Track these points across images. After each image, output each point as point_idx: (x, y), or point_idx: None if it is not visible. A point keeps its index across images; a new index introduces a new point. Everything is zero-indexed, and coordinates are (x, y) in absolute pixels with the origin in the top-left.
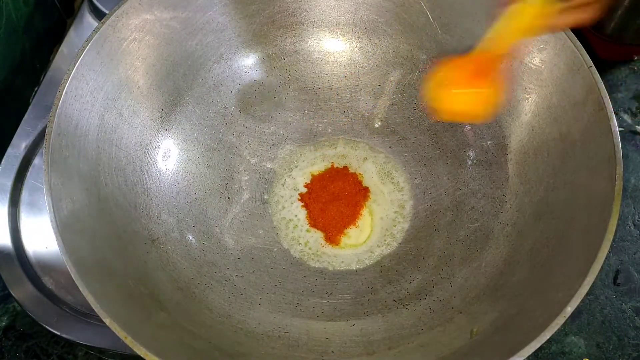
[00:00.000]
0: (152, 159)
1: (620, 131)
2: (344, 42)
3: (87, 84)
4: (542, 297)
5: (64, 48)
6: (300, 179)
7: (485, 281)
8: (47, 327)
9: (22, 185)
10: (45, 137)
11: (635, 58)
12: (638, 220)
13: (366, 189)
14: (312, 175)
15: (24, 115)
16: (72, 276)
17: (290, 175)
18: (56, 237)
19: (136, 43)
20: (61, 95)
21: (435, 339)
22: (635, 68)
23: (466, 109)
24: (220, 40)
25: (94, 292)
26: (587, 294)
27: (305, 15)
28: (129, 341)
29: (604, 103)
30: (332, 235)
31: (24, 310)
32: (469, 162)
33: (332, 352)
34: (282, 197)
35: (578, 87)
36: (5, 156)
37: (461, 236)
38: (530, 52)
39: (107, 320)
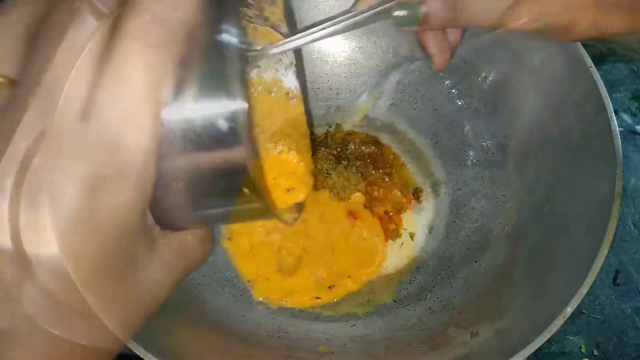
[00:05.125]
0: None
1: (620, 131)
2: (344, 42)
3: None
4: (542, 297)
5: None
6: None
7: (485, 281)
8: None
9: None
10: None
11: None
12: (638, 220)
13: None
14: None
15: None
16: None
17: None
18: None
19: None
20: None
21: (435, 339)
22: (635, 68)
23: None
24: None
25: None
26: (587, 294)
27: (305, 15)
28: (129, 341)
29: (604, 103)
30: None
31: None
32: (469, 162)
33: (332, 352)
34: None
35: (578, 87)
36: None
37: (461, 236)
38: (530, 52)
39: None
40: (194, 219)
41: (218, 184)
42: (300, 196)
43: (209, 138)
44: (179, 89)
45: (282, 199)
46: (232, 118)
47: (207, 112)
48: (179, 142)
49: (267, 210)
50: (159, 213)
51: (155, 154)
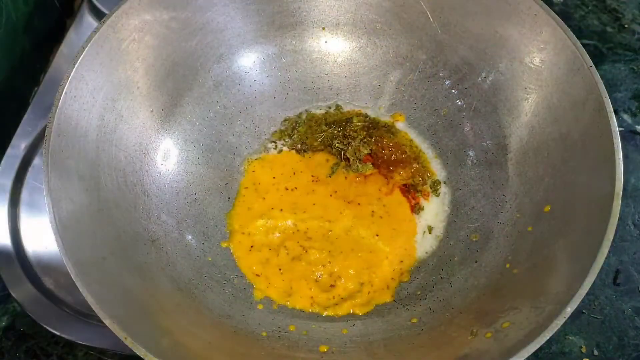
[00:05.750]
0: (152, 159)
1: (620, 131)
2: (344, 42)
3: (87, 84)
4: (542, 297)
5: (64, 48)
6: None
7: (485, 281)
8: (47, 327)
9: (22, 185)
10: (45, 138)
11: None
12: (638, 220)
13: None
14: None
15: (24, 115)
16: (72, 277)
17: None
18: (56, 237)
19: (135, 43)
20: (61, 95)
21: (435, 339)
22: (635, 68)
23: None
24: (219, 40)
25: (93, 293)
26: (587, 294)
27: (305, 15)
28: (129, 342)
29: (604, 103)
30: None
31: (24, 311)
32: (469, 162)
33: (332, 352)
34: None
35: (578, 87)
36: (5, 156)
37: (461, 236)
38: (530, 52)
39: (107, 321)
40: None
41: None
42: None
43: None
44: None
45: None
46: None
47: None
48: None
49: None
50: None
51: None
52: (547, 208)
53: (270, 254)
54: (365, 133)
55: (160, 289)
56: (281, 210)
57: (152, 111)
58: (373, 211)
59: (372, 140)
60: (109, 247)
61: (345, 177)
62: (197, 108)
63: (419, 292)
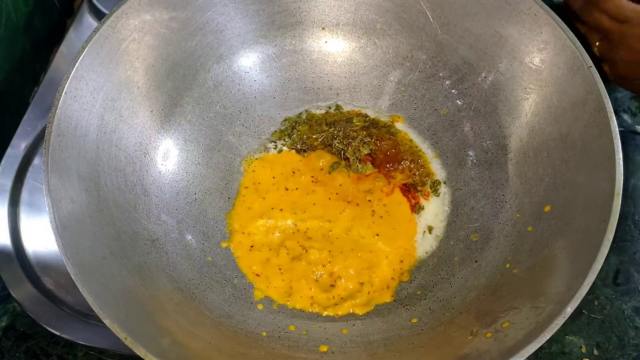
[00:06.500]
0: (151, 159)
1: (620, 131)
2: (344, 42)
3: (87, 84)
4: (542, 297)
5: (63, 48)
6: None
7: (485, 281)
8: (47, 327)
9: (22, 185)
10: (45, 138)
11: None
12: (638, 220)
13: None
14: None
15: (24, 115)
16: (72, 277)
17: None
18: (56, 237)
19: (135, 43)
20: (61, 95)
21: (435, 339)
22: None
23: None
24: (219, 40)
25: (93, 293)
26: (587, 294)
27: (305, 15)
28: (129, 342)
29: (603, 103)
30: None
31: (24, 311)
32: (469, 162)
33: (332, 352)
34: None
35: (578, 87)
36: (5, 156)
37: (461, 236)
38: (530, 52)
39: (107, 321)
40: None
41: None
42: None
43: None
44: None
45: None
46: None
47: None
48: None
49: None
50: None
51: None
52: (547, 208)
53: (270, 253)
54: (365, 133)
55: (160, 289)
56: (281, 210)
57: (152, 111)
58: (373, 211)
59: (372, 140)
60: (109, 247)
61: (347, 177)
62: (197, 108)
63: (419, 292)
